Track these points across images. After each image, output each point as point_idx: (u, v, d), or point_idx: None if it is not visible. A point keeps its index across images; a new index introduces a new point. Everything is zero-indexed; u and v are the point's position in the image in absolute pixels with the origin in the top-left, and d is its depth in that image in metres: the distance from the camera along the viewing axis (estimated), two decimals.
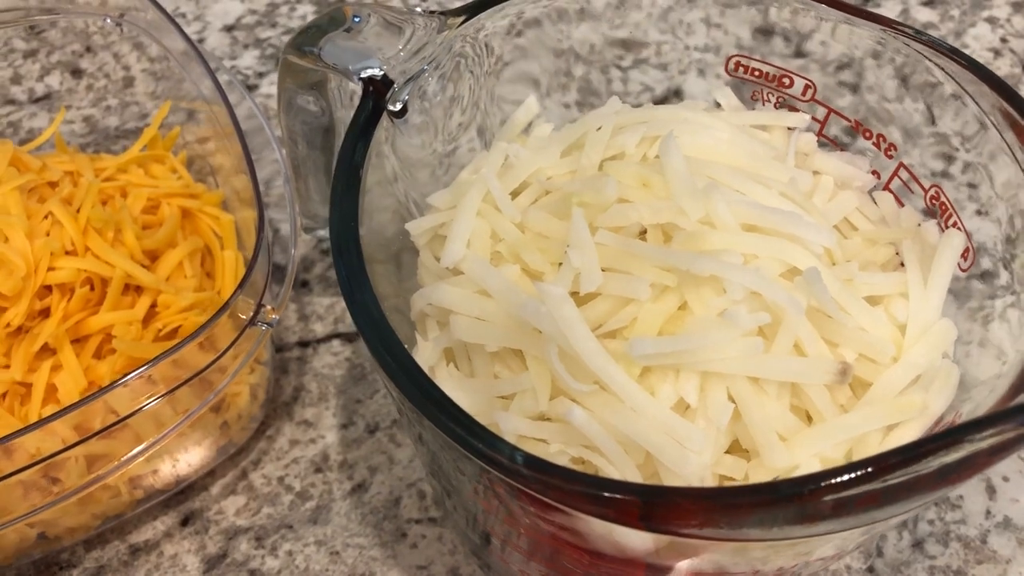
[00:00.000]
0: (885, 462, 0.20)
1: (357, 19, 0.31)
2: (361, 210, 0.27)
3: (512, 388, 0.27)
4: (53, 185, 0.40)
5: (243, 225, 0.41)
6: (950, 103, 0.31)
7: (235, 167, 0.40)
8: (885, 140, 0.33)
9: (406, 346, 0.24)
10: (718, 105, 0.37)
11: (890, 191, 0.33)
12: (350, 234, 0.26)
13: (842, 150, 0.35)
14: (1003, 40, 0.57)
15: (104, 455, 0.33)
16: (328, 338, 0.45)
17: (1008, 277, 0.29)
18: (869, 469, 0.20)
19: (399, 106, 0.31)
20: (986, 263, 0.30)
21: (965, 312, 0.30)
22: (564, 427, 0.26)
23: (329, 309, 0.46)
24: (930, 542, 0.38)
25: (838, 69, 0.34)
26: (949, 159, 0.31)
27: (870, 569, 0.37)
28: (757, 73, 0.35)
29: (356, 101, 0.31)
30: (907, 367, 0.27)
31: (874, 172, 0.34)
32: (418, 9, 0.33)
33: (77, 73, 0.53)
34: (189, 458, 0.38)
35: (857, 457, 0.27)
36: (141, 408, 0.32)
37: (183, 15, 0.61)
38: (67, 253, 0.37)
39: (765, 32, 0.35)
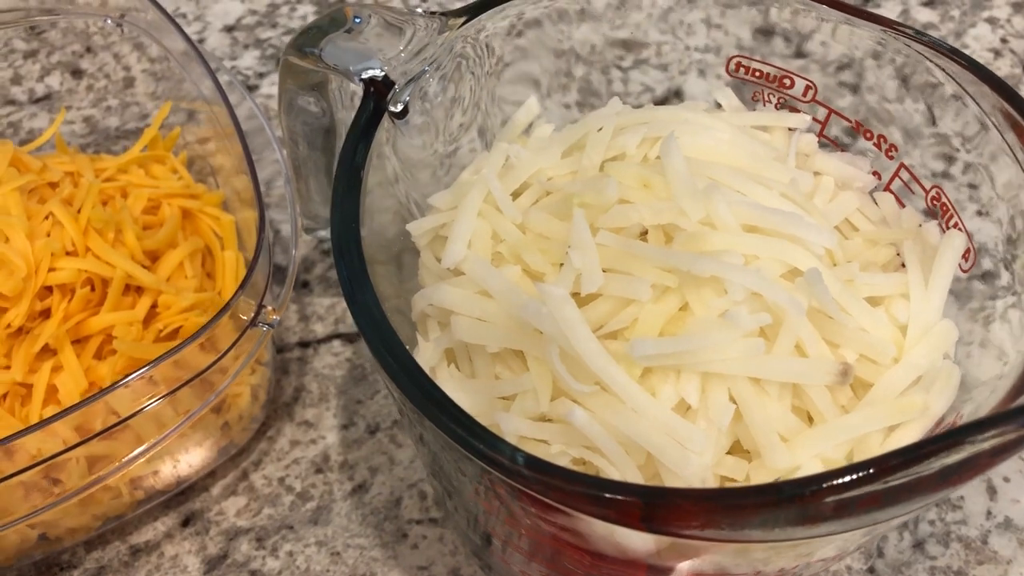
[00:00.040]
0: (887, 463, 0.20)
1: (358, 20, 0.31)
2: (362, 211, 0.27)
3: (513, 389, 0.27)
4: (53, 186, 0.40)
5: (243, 226, 0.41)
6: (951, 104, 0.31)
7: (236, 167, 0.40)
8: (886, 141, 0.33)
9: (407, 347, 0.24)
10: (719, 106, 0.37)
11: (891, 192, 0.33)
12: (351, 235, 0.26)
13: (843, 151, 0.35)
14: (1003, 40, 0.57)
15: (105, 456, 0.33)
16: (329, 338, 0.45)
17: (1009, 278, 0.29)
18: (871, 470, 0.20)
19: (400, 107, 0.31)
20: (987, 264, 0.30)
21: (966, 313, 0.30)
22: (565, 428, 0.26)
23: (330, 310, 0.46)
24: (931, 543, 0.38)
25: (838, 70, 0.34)
26: (950, 160, 0.31)
27: (871, 570, 0.37)
28: (758, 74, 0.35)
29: (357, 102, 0.31)
30: (908, 368, 0.27)
31: (875, 173, 0.34)
32: (419, 10, 0.33)
33: (77, 73, 0.53)
34: (190, 459, 0.38)
35: (858, 458, 0.27)
36: (142, 409, 0.32)
37: (183, 15, 0.61)
38: (68, 254, 0.37)
39: (765, 32, 0.35)
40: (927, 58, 0.30)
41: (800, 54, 0.34)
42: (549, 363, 0.26)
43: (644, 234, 0.29)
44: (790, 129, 0.35)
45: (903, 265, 0.31)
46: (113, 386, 0.31)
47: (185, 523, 0.40)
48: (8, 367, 0.35)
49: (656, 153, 0.31)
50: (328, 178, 0.38)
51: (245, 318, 0.34)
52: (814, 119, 0.35)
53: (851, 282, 0.29)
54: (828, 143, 0.35)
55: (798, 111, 0.35)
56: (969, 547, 0.37)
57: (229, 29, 0.61)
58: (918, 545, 0.38)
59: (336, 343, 0.45)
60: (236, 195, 0.42)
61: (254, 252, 0.34)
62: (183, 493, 0.40)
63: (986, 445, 0.20)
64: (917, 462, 0.20)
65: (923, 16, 0.59)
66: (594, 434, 0.25)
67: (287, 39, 0.60)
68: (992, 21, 0.58)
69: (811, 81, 0.34)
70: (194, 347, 0.32)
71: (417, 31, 0.31)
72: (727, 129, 0.31)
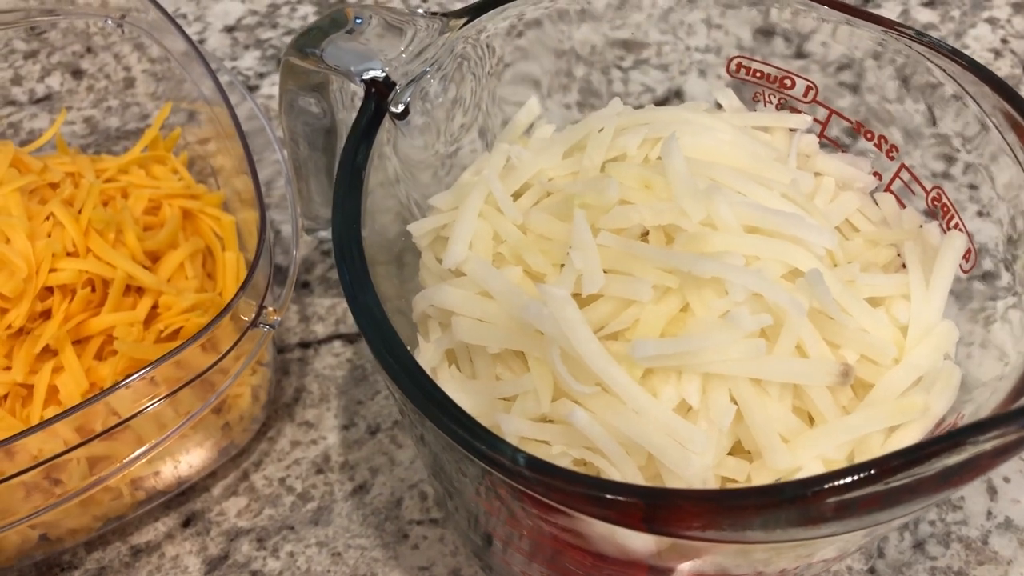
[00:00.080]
0: (888, 464, 0.20)
1: (359, 21, 0.31)
2: (364, 212, 0.27)
3: (514, 390, 0.27)
4: (54, 186, 0.40)
5: (244, 226, 0.41)
6: (951, 104, 0.31)
7: (236, 168, 0.40)
8: (886, 141, 0.33)
9: (408, 347, 0.24)
10: (719, 106, 0.37)
11: (892, 192, 0.33)
12: (353, 236, 0.26)
13: (843, 151, 0.35)
14: (1003, 41, 0.57)
15: (106, 457, 0.33)
16: (329, 339, 0.45)
17: (1010, 278, 0.29)
18: (872, 471, 0.20)
19: (401, 108, 0.31)
20: (987, 264, 0.30)
21: (966, 313, 0.30)
22: (566, 429, 0.26)
23: (330, 310, 0.46)
24: (931, 543, 0.38)
25: (839, 70, 0.34)
26: (950, 160, 0.31)
27: (871, 570, 0.37)
28: (759, 74, 0.35)
29: (357, 103, 0.31)
30: (909, 368, 0.28)
31: (875, 173, 0.34)
32: (419, 11, 0.33)
33: (78, 74, 0.53)
34: (190, 459, 0.38)
35: (859, 459, 0.27)
36: (143, 410, 0.32)
37: (184, 16, 0.61)
38: (68, 254, 0.37)
39: (766, 33, 0.35)
40: (927, 59, 0.30)
41: (800, 54, 0.34)
42: (550, 364, 0.26)
43: (645, 235, 0.29)
44: (791, 130, 0.35)
45: (904, 266, 0.31)
46: (114, 387, 0.31)
47: (186, 524, 0.40)
48: (9, 368, 0.35)
49: (657, 154, 0.31)
50: (329, 179, 0.38)
51: (246, 319, 0.34)
52: (815, 120, 0.35)
53: (852, 283, 0.29)
54: (829, 144, 0.35)
55: (799, 112, 0.35)
56: (969, 547, 0.37)
57: (229, 29, 0.61)
58: (918, 545, 0.38)
59: (337, 344, 0.45)
60: (237, 196, 0.42)
61: (255, 253, 0.34)
62: (184, 494, 0.40)
63: (987, 446, 0.20)
64: (918, 463, 0.20)
65: (923, 16, 0.59)
66: (595, 435, 0.25)
67: (287, 39, 0.60)
68: (992, 21, 0.58)
69: (812, 82, 0.34)
70: (195, 348, 0.32)
71: (418, 32, 0.31)
72: (728, 130, 0.31)
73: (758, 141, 0.33)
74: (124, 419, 0.32)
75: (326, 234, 0.43)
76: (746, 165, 0.31)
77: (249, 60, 0.59)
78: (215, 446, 0.39)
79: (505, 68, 0.36)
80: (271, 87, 0.57)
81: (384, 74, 0.30)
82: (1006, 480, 0.39)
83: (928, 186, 0.32)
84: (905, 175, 0.33)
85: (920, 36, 0.30)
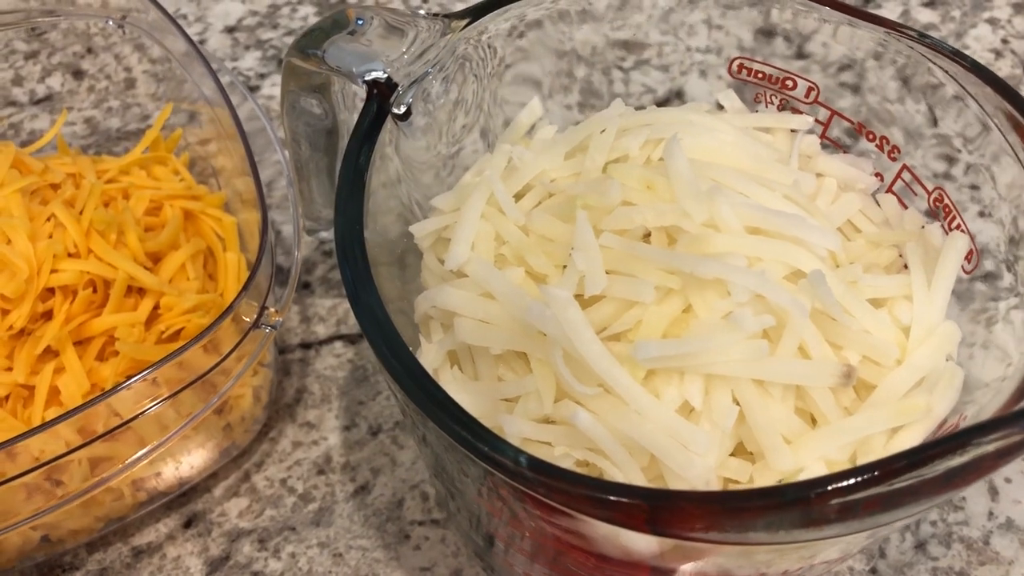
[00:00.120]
0: (891, 466, 0.20)
1: (360, 22, 0.31)
2: (366, 213, 0.27)
3: (516, 391, 0.27)
4: (55, 187, 0.40)
5: (245, 227, 0.41)
6: (952, 104, 0.31)
7: (237, 169, 0.40)
8: (888, 142, 0.33)
9: (410, 348, 0.24)
10: (721, 107, 0.37)
11: (893, 193, 0.33)
12: (355, 237, 0.26)
13: (845, 152, 0.35)
14: (1004, 41, 0.57)
15: (107, 458, 0.33)
16: (330, 340, 0.45)
17: (1012, 279, 0.29)
18: (875, 473, 0.20)
19: (403, 109, 0.31)
20: (989, 265, 0.30)
21: (968, 314, 0.30)
22: (568, 430, 0.26)
23: (331, 311, 0.46)
24: (933, 543, 0.38)
25: (840, 70, 0.34)
26: (951, 160, 0.31)
27: (873, 571, 0.37)
28: (760, 75, 0.35)
29: (359, 104, 0.31)
30: (911, 369, 0.28)
31: (877, 174, 0.34)
32: (421, 12, 0.33)
33: (78, 74, 0.53)
34: (192, 460, 0.38)
35: (861, 460, 0.27)
36: (145, 411, 0.32)
37: (184, 16, 0.61)
38: (70, 255, 0.37)
39: (766, 33, 0.35)
40: (928, 59, 0.30)
41: (801, 55, 0.34)
42: (552, 365, 0.26)
43: (647, 236, 0.29)
44: (792, 131, 0.35)
45: (906, 267, 0.31)
46: (116, 388, 0.31)
47: (187, 524, 0.40)
48: (10, 369, 0.35)
49: (659, 155, 0.31)
50: (330, 179, 0.38)
51: (248, 320, 0.34)
52: (816, 120, 0.35)
53: (854, 284, 0.29)
54: (830, 144, 0.35)
55: (800, 112, 0.35)
56: (971, 548, 0.38)
57: (230, 30, 0.61)
58: (920, 546, 0.38)
59: (338, 344, 0.45)
60: (238, 196, 0.42)
61: (257, 254, 0.34)
62: (185, 494, 0.40)
63: (990, 448, 0.20)
64: (922, 464, 0.20)
65: (924, 16, 0.59)
66: (597, 436, 0.25)
67: (288, 40, 0.60)
68: (993, 22, 0.58)
69: (813, 82, 0.34)
70: (197, 349, 0.32)
71: (420, 33, 0.31)
72: (730, 131, 0.31)
73: (760, 142, 0.33)
74: (126, 420, 0.32)
75: (327, 235, 0.43)
76: (748, 166, 0.31)
77: (250, 60, 0.59)
78: (216, 447, 0.39)
79: (506, 69, 0.36)
80: (272, 88, 0.57)
81: (386, 75, 0.30)
82: (1007, 481, 0.39)
83: (930, 187, 0.32)
84: (907, 176, 0.33)
85: (922, 37, 0.30)
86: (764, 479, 0.26)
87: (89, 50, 0.50)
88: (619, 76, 0.39)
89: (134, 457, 0.33)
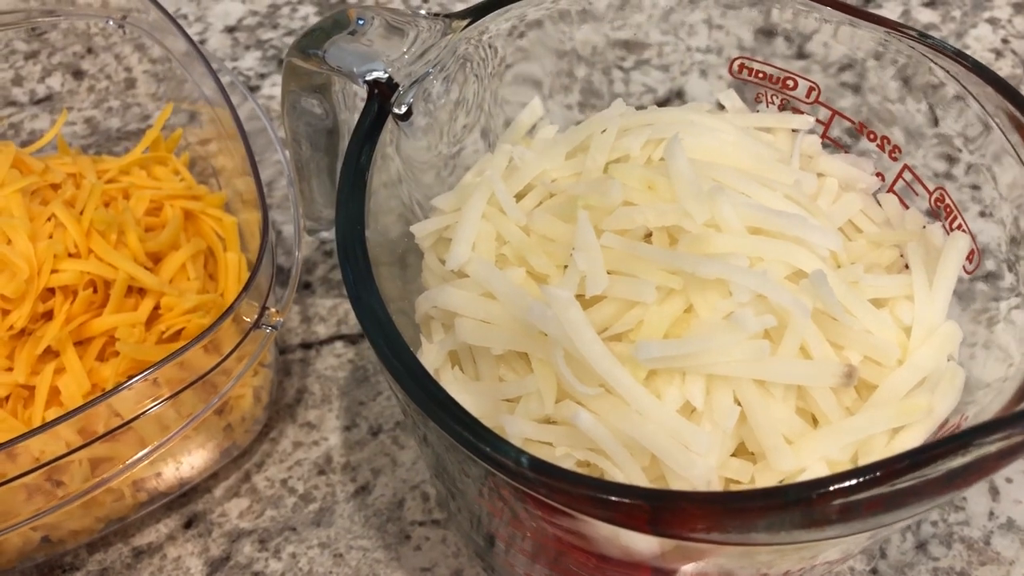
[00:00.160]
0: (893, 466, 0.20)
1: (361, 22, 0.31)
2: (367, 213, 0.27)
3: (517, 391, 0.27)
4: (55, 187, 0.40)
5: (245, 227, 0.41)
6: (953, 104, 0.31)
7: (238, 168, 0.40)
8: (889, 142, 0.33)
9: (411, 348, 0.24)
10: (721, 107, 0.37)
11: (894, 193, 0.33)
12: (356, 237, 0.26)
13: (846, 152, 0.35)
14: (1004, 41, 0.57)
15: (108, 458, 0.33)
16: (331, 340, 0.45)
17: (1013, 279, 0.29)
18: (877, 473, 0.20)
19: (404, 109, 0.31)
20: (990, 265, 0.30)
21: (969, 314, 0.30)
22: (570, 430, 0.26)
23: (332, 311, 0.46)
24: (933, 544, 0.38)
25: (840, 70, 0.34)
26: (952, 160, 0.31)
27: (874, 571, 0.37)
28: (761, 75, 0.35)
29: (360, 104, 0.31)
30: (912, 369, 0.27)
31: (878, 174, 0.34)
32: (422, 12, 0.33)
33: (78, 75, 0.53)
34: (192, 461, 0.38)
35: (863, 460, 0.27)
36: (145, 411, 0.32)
37: (184, 16, 0.61)
38: (70, 255, 0.37)
39: (767, 33, 0.35)
40: (929, 59, 0.30)
41: (802, 55, 0.34)
42: (554, 365, 0.26)
43: (649, 236, 0.29)
44: (793, 130, 0.35)
45: (907, 267, 0.31)
46: (116, 388, 0.31)
47: (187, 525, 0.39)
48: (10, 369, 0.35)
49: (660, 155, 0.31)
50: (331, 179, 0.38)
51: (248, 320, 0.34)
52: (817, 120, 0.35)
53: (855, 284, 0.29)
54: (831, 144, 0.35)
55: (801, 112, 0.35)
56: (972, 548, 0.37)
57: (230, 30, 0.61)
58: (921, 546, 0.38)
59: (338, 344, 0.45)
60: (238, 196, 0.42)
61: (257, 254, 0.34)
62: (185, 495, 0.40)
63: (992, 448, 0.20)
64: (924, 465, 0.20)
65: (924, 16, 0.59)
66: (599, 436, 0.25)
67: (288, 40, 0.60)
68: (993, 21, 0.58)
69: (814, 82, 0.34)
70: (197, 349, 0.32)
71: (420, 33, 0.31)
72: (731, 131, 0.31)
73: (761, 142, 0.33)
74: (126, 421, 0.32)
75: (328, 235, 0.43)
76: (749, 166, 0.31)
77: (250, 60, 0.58)
78: (217, 447, 0.39)
79: (507, 69, 0.36)
80: (272, 87, 0.57)
81: (387, 75, 0.30)
82: (1008, 481, 0.39)
83: (931, 187, 0.32)
84: (908, 176, 0.33)
85: (923, 37, 0.30)
86: (765, 479, 0.26)
87: (89, 50, 0.50)
88: (619, 76, 0.39)
89: (135, 458, 0.33)
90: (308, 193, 0.39)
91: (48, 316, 0.36)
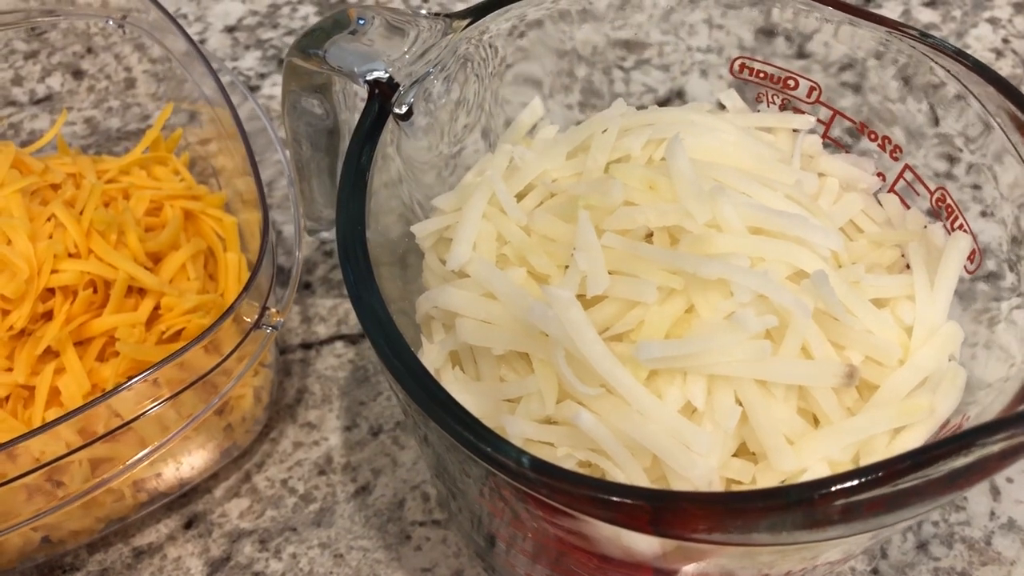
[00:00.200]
0: (895, 466, 0.20)
1: (362, 22, 0.31)
2: (367, 213, 0.27)
3: (518, 391, 0.27)
4: (55, 187, 0.40)
5: (246, 227, 0.41)
6: (954, 104, 0.31)
7: (238, 168, 0.40)
8: (890, 142, 0.33)
9: (411, 349, 0.24)
10: (722, 107, 0.37)
11: (895, 193, 0.33)
12: (357, 237, 0.26)
13: (847, 151, 0.35)
14: (1005, 41, 0.57)
15: (108, 459, 0.33)
16: (331, 340, 0.45)
17: (1014, 279, 0.29)
18: (879, 474, 0.20)
19: (405, 109, 0.31)
20: (991, 265, 0.30)
21: (971, 314, 0.30)
22: (571, 430, 0.26)
23: (332, 311, 0.46)
24: (934, 544, 0.38)
25: (841, 70, 0.34)
26: (953, 160, 0.31)
27: (874, 571, 0.37)
28: (761, 75, 0.35)
29: (360, 103, 0.31)
30: (914, 369, 0.27)
31: (879, 174, 0.34)
32: (422, 12, 0.33)
33: (78, 74, 0.52)
34: (192, 461, 0.38)
35: (864, 460, 0.27)
36: (145, 412, 0.32)
37: (184, 16, 0.61)
38: (70, 256, 0.37)
39: (767, 33, 0.35)
40: (930, 59, 0.30)
41: (802, 55, 0.34)
42: (555, 365, 0.26)
43: (650, 236, 0.29)
44: (794, 130, 0.35)
45: (908, 267, 0.31)
46: (116, 389, 0.31)
47: (188, 525, 0.39)
48: (10, 369, 0.35)
49: (661, 155, 0.31)
50: (331, 179, 0.38)
51: (249, 320, 0.34)
52: (818, 120, 0.35)
53: (857, 284, 0.28)
54: (832, 144, 0.35)
55: (802, 112, 0.35)
56: (973, 548, 0.37)
57: (230, 30, 0.61)
58: (922, 546, 0.38)
59: (339, 344, 0.45)
60: (238, 196, 0.42)
61: (258, 254, 0.34)
62: (186, 495, 0.40)
63: (995, 448, 0.20)
64: (926, 465, 0.20)
65: (924, 16, 0.59)
66: (600, 437, 0.25)
67: (288, 40, 0.60)
68: (993, 21, 0.58)
69: (815, 82, 0.34)
70: (198, 349, 0.32)
71: (421, 33, 0.31)
72: (732, 131, 0.31)
73: (762, 142, 0.33)
74: (126, 421, 0.32)
75: (328, 235, 0.43)
76: (750, 166, 0.31)
77: (250, 60, 0.58)
78: (217, 447, 0.39)
79: (507, 69, 0.36)
80: (272, 87, 0.57)
81: (387, 75, 0.30)
82: (1009, 481, 0.39)
83: (932, 187, 0.32)
84: (909, 175, 0.33)
85: (924, 36, 0.30)
86: (767, 480, 0.26)
87: (89, 50, 0.50)
88: (620, 76, 0.39)
89: (135, 458, 0.33)
90: (308, 193, 0.39)
91: (48, 316, 0.36)
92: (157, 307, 0.38)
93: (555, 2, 0.35)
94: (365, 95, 0.30)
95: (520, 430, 0.26)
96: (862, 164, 0.34)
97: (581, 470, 0.26)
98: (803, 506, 0.20)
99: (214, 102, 0.40)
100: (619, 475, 0.25)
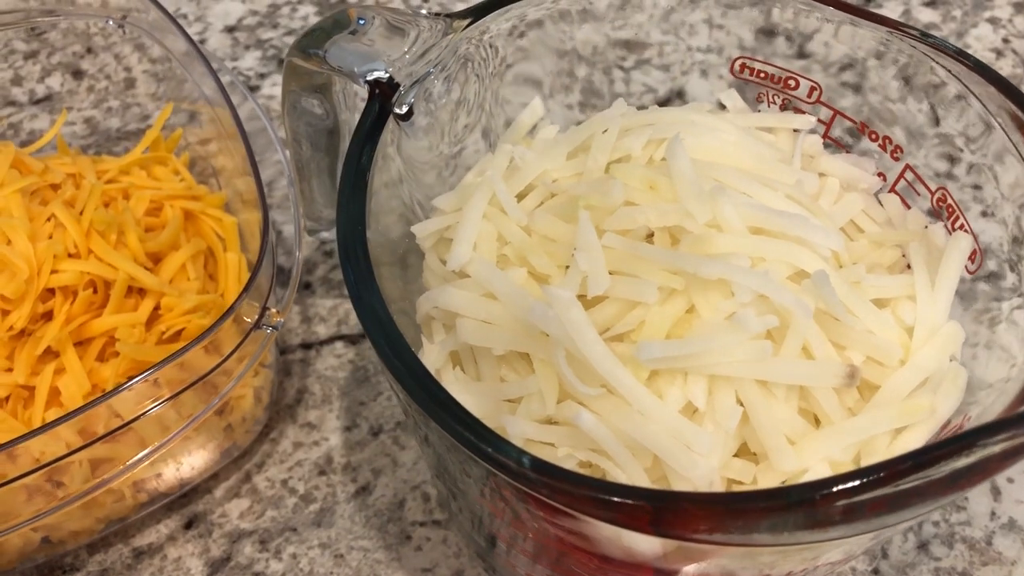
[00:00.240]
0: (897, 467, 0.20)
1: (362, 22, 0.31)
2: (368, 213, 0.27)
3: (519, 391, 0.27)
4: (55, 187, 0.40)
5: (246, 227, 0.41)
6: (954, 104, 0.31)
7: (238, 168, 0.40)
8: (891, 142, 0.33)
9: (412, 349, 0.24)
10: (722, 107, 0.36)
11: (896, 193, 0.33)
12: (357, 237, 0.26)
13: (847, 151, 0.35)
14: (1005, 40, 0.57)
15: (108, 459, 0.33)
16: (331, 340, 0.45)
17: (1015, 279, 0.29)
18: (880, 474, 0.20)
19: (405, 109, 0.31)
20: (992, 265, 0.30)
21: (971, 314, 0.30)
22: (572, 431, 0.26)
23: (332, 311, 0.46)
24: (935, 544, 0.38)
25: (841, 70, 0.34)
26: (953, 160, 0.31)
27: (875, 571, 0.37)
28: (762, 75, 0.35)
29: (360, 103, 0.31)
30: (915, 370, 0.27)
31: (880, 174, 0.34)
32: (422, 11, 0.33)
33: (78, 74, 0.52)
34: (193, 461, 0.38)
35: (865, 461, 0.27)
36: (145, 412, 0.32)
37: (184, 16, 0.61)
38: (70, 256, 0.37)
39: (768, 33, 0.35)
40: (931, 58, 0.30)
41: (803, 54, 0.34)
42: (555, 366, 0.26)
43: (650, 236, 0.29)
44: (795, 130, 0.35)
45: (909, 267, 0.31)
46: (117, 389, 0.31)
47: (188, 525, 0.39)
48: (10, 369, 0.35)
49: (662, 155, 0.31)
50: (331, 179, 0.38)
51: (249, 321, 0.34)
52: (818, 120, 0.35)
53: (857, 284, 0.28)
54: (832, 144, 0.35)
55: (802, 112, 0.35)
56: (973, 548, 0.37)
57: (230, 30, 0.61)
58: (922, 546, 0.38)
59: (339, 344, 0.45)
60: (238, 196, 0.42)
61: (258, 254, 0.34)
62: (186, 495, 0.40)
63: (996, 449, 0.20)
64: (927, 466, 0.20)
65: (925, 16, 0.59)
66: (601, 437, 0.25)
67: (288, 40, 0.60)
68: (994, 21, 0.58)
69: (816, 82, 0.34)
70: (198, 350, 0.32)
71: (421, 33, 0.31)
72: (732, 131, 0.31)
73: (762, 142, 0.33)
74: (127, 421, 0.32)
75: (328, 235, 0.43)
76: (751, 166, 0.31)
77: (250, 60, 0.58)
78: (217, 448, 0.39)
79: (508, 69, 0.36)
80: (272, 87, 0.57)
81: (388, 75, 0.30)
82: (1010, 481, 0.39)
83: (933, 187, 0.32)
84: (909, 175, 0.33)
85: (924, 36, 0.30)
86: (768, 480, 0.26)
87: (89, 50, 0.50)
88: (620, 76, 0.39)
89: (135, 458, 0.33)
90: (308, 193, 0.39)
91: (48, 316, 0.36)
92: (157, 307, 0.38)
93: (555, 2, 0.35)
94: (365, 95, 0.30)
95: (521, 430, 0.26)
96: (863, 164, 0.34)
97: (582, 470, 0.26)
98: (804, 506, 0.20)
99: (214, 102, 0.40)
100: (620, 475, 0.25)
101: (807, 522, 0.20)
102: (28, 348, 0.35)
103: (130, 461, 0.33)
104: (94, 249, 0.37)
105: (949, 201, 0.31)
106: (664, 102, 0.39)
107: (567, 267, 0.28)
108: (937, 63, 0.30)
